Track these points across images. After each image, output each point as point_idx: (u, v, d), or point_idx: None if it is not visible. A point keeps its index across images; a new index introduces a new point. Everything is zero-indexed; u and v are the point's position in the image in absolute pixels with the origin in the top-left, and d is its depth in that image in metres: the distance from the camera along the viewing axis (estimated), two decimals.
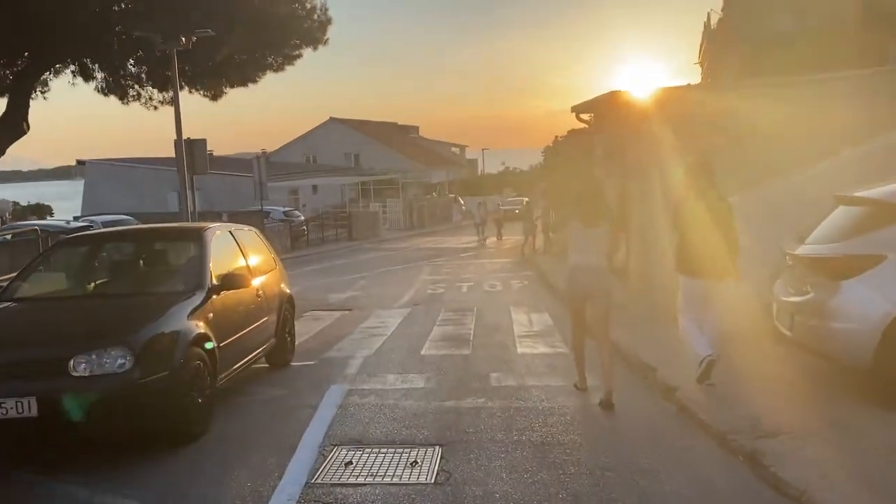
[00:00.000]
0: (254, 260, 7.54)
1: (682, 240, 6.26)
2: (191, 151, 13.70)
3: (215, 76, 17.22)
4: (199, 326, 5.78)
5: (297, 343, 9.26)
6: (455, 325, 10.69)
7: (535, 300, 13.32)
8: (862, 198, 5.79)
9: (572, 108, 15.12)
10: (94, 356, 5.03)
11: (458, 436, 5.54)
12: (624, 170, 13.25)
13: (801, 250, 5.96)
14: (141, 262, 7.10)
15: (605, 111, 13.36)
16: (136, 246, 7.23)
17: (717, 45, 39.37)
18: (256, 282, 7.27)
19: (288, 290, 8.48)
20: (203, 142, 13.83)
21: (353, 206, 42.77)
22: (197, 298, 6.01)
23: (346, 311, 12.77)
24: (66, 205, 50.62)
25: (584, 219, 6.10)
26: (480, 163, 77.76)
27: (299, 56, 17.93)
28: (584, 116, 15.29)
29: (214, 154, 44.85)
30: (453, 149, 72.79)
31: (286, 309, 8.19)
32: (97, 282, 6.85)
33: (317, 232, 33.28)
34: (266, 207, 31.40)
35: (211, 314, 6.04)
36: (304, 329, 10.69)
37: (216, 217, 24.12)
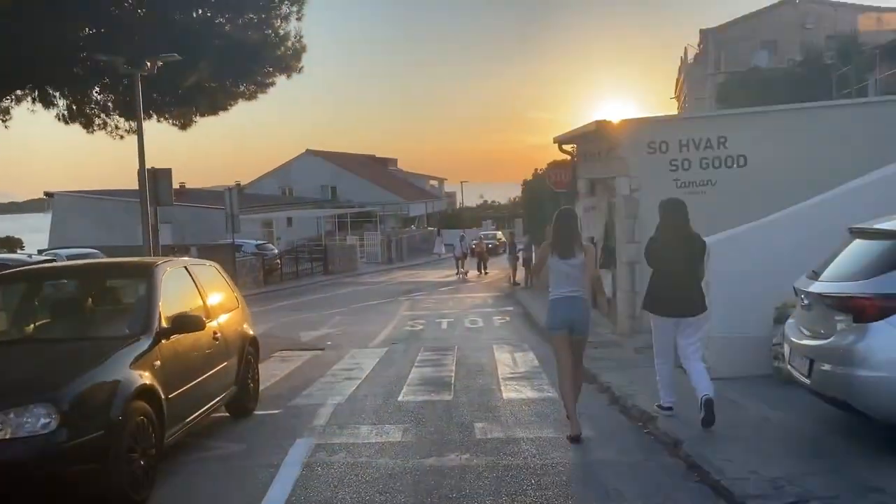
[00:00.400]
0: (212, 298, 6.81)
1: (652, 278, 6.33)
2: (155, 182, 12.95)
3: (184, 104, 16.56)
4: (144, 376, 5.04)
5: (261, 388, 8.49)
6: (435, 366, 9.98)
7: (519, 338, 12.66)
8: (885, 230, 5.25)
9: (555, 139, 14.67)
10: (11, 416, 4.27)
11: (441, 503, 4.82)
12: (610, 202, 12.75)
13: (818, 287, 5.39)
14: (83, 301, 6.33)
15: (589, 141, 12.90)
16: (79, 284, 6.46)
17: (693, 78, 39.69)
18: (215, 323, 6.54)
19: (251, 332, 7.73)
20: (168, 172, 13.11)
21: (329, 239, 42.00)
22: (143, 344, 5.27)
23: (318, 351, 12.00)
24: (38, 237, 49.23)
25: (560, 251, 6.12)
26: (459, 196, 77.56)
27: (272, 84, 17.37)
28: (568, 147, 14.84)
29: (187, 186, 44.09)
30: (432, 182, 72.52)
31: (249, 352, 7.44)
32: (31, 325, 6.07)
33: (291, 266, 32.44)
34: (238, 241, 30.52)
35: (158, 361, 5.29)
36: (272, 372, 9.91)
37: (183, 251, 23.23)
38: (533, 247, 21.47)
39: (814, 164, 10.47)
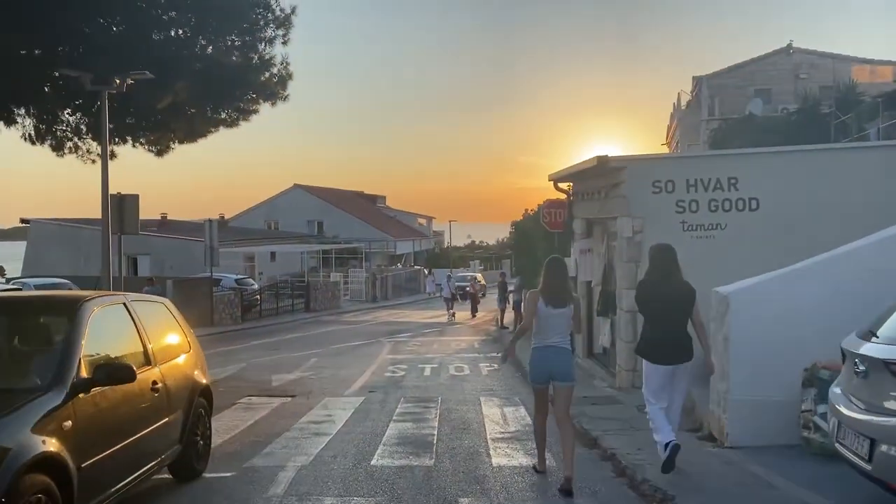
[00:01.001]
0: (157, 341, 5.81)
1: (645, 325, 6.31)
2: (120, 208, 11.99)
3: (160, 128, 15.69)
4: (47, 442, 4.03)
5: (219, 442, 7.49)
6: (415, 421, 8.94)
7: (508, 389, 11.66)
8: None
9: (550, 176, 13.89)
10: None
11: None
12: (609, 244, 11.91)
13: (879, 351, 4.49)
14: None
15: (588, 179, 12.11)
16: None
17: (685, 125, 39.44)
18: (157, 370, 5.54)
19: (204, 380, 6.72)
20: (135, 198, 12.15)
21: (313, 275, 40.92)
22: (52, 399, 4.27)
23: (288, 399, 10.93)
24: (17, 265, 47.83)
25: (549, 300, 6.04)
26: (447, 235, 76.85)
27: (255, 111, 16.54)
28: (563, 186, 14.05)
29: (168, 217, 43.10)
30: (420, 220, 71.85)
31: (199, 404, 6.42)
32: None
33: (271, 302, 31.31)
34: (217, 274, 29.44)
35: (70, 422, 4.28)
36: (232, 422, 8.87)
37: (142, 283, 22.06)
38: (524, 292, 20.58)
39: (832, 210, 9.70)
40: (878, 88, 26.97)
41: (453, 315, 29.00)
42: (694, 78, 39.87)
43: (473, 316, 29.47)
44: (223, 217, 46.77)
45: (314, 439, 7.90)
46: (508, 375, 13.35)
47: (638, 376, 10.22)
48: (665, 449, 5.86)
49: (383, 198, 71.97)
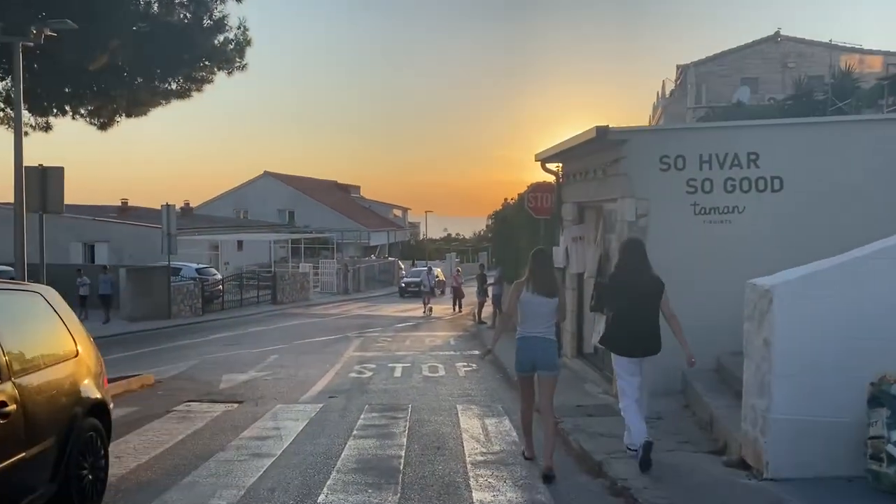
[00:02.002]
0: (15, 346, 4.24)
1: (613, 317, 6.30)
2: (42, 183, 10.27)
3: (99, 97, 13.96)
4: None
5: (131, 467, 5.98)
6: (380, 437, 7.45)
7: (489, 395, 10.21)
8: None
9: (537, 156, 12.43)
10: None
11: None
12: (605, 231, 10.49)
13: None
14: None
15: (581, 157, 10.67)
16: None
17: (669, 114, 38.28)
18: (9, 386, 3.99)
19: (97, 394, 5.16)
20: (59, 171, 10.39)
21: (282, 265, 39.15)
22: None
23: (234, 405, 9.39)
24: None
25: (535, 290, 6.10)
26: (423, 227, 75.28)
27: (209, 81, 14.84)
28: (552, 166, 12.60)
29: (130, 204, 40.98)
30: (395, 211, 70.13)
31: (88, 427, 4.86)
32: None
33: (235, 293, 29.56)
34: (177, 264, 27.64)
35: None
36: (159, 437, 7.32)
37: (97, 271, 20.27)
38: (505, 284, 19.10)
39: (872, 190, 8.37)
40: (868, 78, 25.99)
41: (430, 310, 27.39)
42: (678, 66, 38.79)
43: (456, 311, 27.57)
44: (188, 204, 44.63)
45: (252, 463, 6.37)
46: (488, 377, 11.90)
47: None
48: (638, 450, 5.83)
49: (357, 188, 70.12)
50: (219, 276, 29.60)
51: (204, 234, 35.71)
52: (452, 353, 15.45)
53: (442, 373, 12.44)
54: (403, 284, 38.77)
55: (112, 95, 13.77)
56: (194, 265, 28.81)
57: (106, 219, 36.35)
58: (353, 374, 12.22)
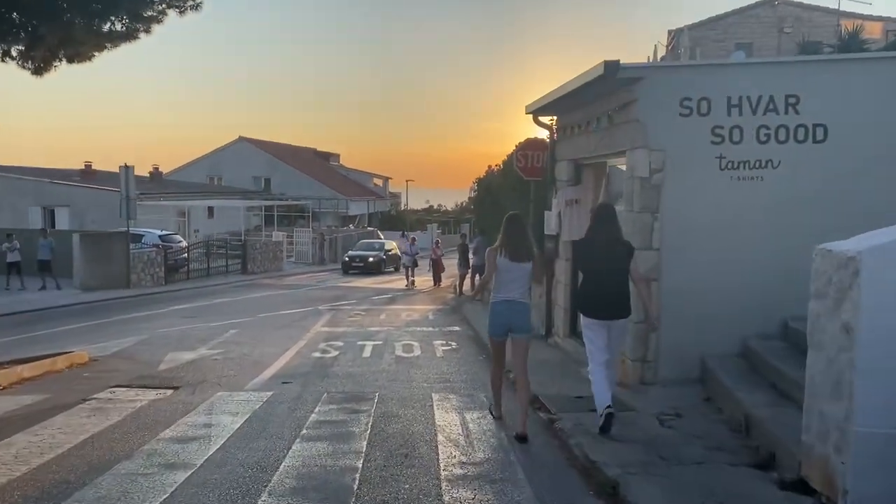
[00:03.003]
0: None
1: (583, 281, 6.32)
2: None
3: (28, 36, 12.11)
4: None
5: (3, 481, 4.45)
6: (334, 439, 5.97)
7: (470, 380, 8.76)
8: None
9: (528, 108, 10.88)
10: None
11: None
12: (608, 191, 9.01)
13: None
14: None
15: (582, 106, 9.15)
16: None
17: None
18: None
19: None
20: None
21: (255, 234, 37.40)
22: None
23: (167, 392, 7.88)
24: None
25: (510, 254, 6.11)
26: (404, 197, 73.53)
27: (158, 21, 13.01)
28: (545, 120, 11.06)
29: (94, 168, 38.81)
30: (376, 180, 68.21)
31: None
32: None
33: (202, 262, 27.86)
34: (138, 230, 25.88)
35: None
36: (56, 438, 5.83)
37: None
38: (487, 251, 17.60)
39: None
40: (867, 45, 24.62)
41: (413, 283, 25.73)
42: (669, 31, 37.24)
43: (437, 285, 25.76)
44: (157, 169, 42.57)
45: (160, 479, 4.87)
46: (469, 358, 10.47)
47: (651, 368, 7.46)
48: (601, 416, 5.81)
49: (337, 156, 68.05)
50: (184, 244, 27.83)
51: (171, 200, 33.82)
52: (430, 329, 14.00)
53: (417, 352, 10.98)
54: (347, 259, 32.50)
55: (41, 34, 11.94)
56: (158, 231, 27.02)
57: (67, 182, 34.31)
58: (317, 354, 10.73)
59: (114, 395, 7.77)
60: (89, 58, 13.77)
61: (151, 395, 7.75)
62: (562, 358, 9.53)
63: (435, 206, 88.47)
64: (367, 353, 10.94)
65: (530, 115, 10.88)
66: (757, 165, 7.23)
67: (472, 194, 29.87)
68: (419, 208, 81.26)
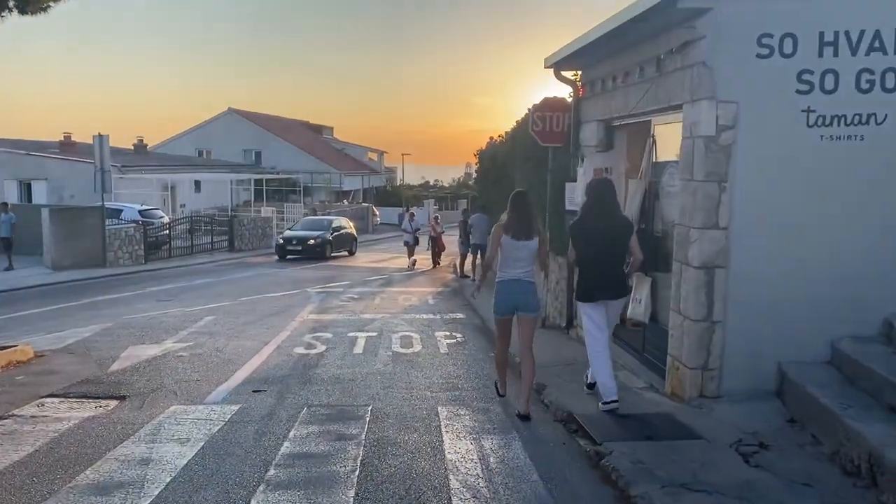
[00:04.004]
0: None
1: (582, 266, 6.21)
2: None
3: None
4: None
5: None
6: (310, 487, 4.42)
7: (483, 385, 7.21)
8: None
9: (546, 60, 9.26)
10: None
11: None
12: (651, 157, 7.41)
13: None
14: None
15: (618, 53, 7.51)
16: None
17: None
18: None
19: None
20: None
21: (244, 209, 35.71)
22: None
23: (110, 405, 6.34)
24: None
25: (514, 233, 6.00)
26: (400, 172, 71.69)
27: None
28: (568, 75, 9.42)
29: (74, 139, 36.92)
30: (371, 154, 66.28)
31: None
32: None
33: (186, 239, 26.22)
34: (117, 205, 24.21)
35: None
36: None
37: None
38: (493, 228, 15.88)
39: None
40: None
41: (414, 263, 23.46)
42: None
43: (435, 264, 23.62)
44: (142, 141, 40.65)
45: None
46: (479, 354, 8.94)
47: (712, 378, 5.93)
48: (607, 403, 5.76)
49: (331, 129, 66.03)
50: (166, 220, 26.15)
51: (155, 173, 32.06)
52: (431, 316, 12.46)
53: (418, 347, 9.44)
54: (282, 241, 26.02)
55: None
56: (137, 206, 25.33)
57: (44, 154, 32.49)
58: (300, 350, 9.17)
59: (41, 409, 6.23)
60: (44, 8, 12.03)
61: (88, 409, 6.21)
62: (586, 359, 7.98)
63: (431, 182, 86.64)
64: (358, 347, 9.38)
65: (551, 70, 9.26)
66: (856, 121, 5.63)
67: (468, 170, 27.83)
68: (415, 184, 79.44)
